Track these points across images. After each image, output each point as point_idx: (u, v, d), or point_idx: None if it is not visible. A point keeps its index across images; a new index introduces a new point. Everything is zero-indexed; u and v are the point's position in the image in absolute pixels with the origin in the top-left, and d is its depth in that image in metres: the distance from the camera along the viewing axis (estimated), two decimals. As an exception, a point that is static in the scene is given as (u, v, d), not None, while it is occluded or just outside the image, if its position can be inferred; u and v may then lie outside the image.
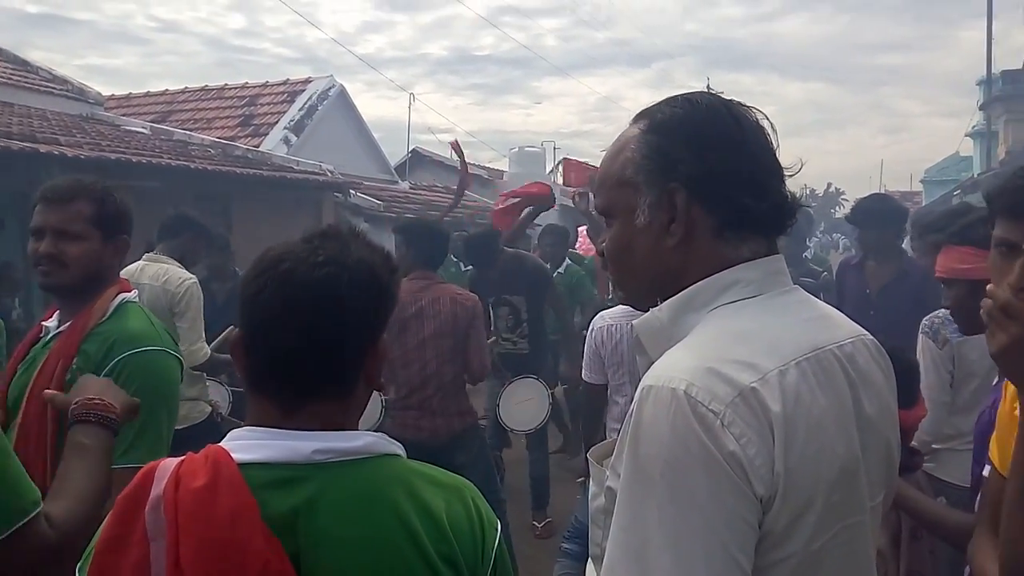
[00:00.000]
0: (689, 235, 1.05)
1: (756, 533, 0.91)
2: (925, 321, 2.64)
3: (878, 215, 4.03)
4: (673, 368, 0.95)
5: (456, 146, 7.77)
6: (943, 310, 2.64)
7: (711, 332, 1.01)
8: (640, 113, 1.11)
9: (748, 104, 1.09)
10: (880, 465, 1.07)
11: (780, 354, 0.97)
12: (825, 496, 0.95)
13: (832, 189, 68.33)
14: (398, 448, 1.09)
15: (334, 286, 1.02)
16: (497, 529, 1.09)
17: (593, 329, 3.29)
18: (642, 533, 0.90)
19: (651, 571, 0.89)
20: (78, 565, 1.00)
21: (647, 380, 0.97)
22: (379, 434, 1.08)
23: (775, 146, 1.08)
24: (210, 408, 3.80)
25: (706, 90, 1.12)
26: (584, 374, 3.36)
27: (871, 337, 1.13)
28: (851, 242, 6.54)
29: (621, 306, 3.24)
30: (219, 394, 4.09)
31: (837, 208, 61.59)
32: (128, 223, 1.97)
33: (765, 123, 1.08)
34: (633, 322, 1.12)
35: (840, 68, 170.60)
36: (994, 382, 1.84)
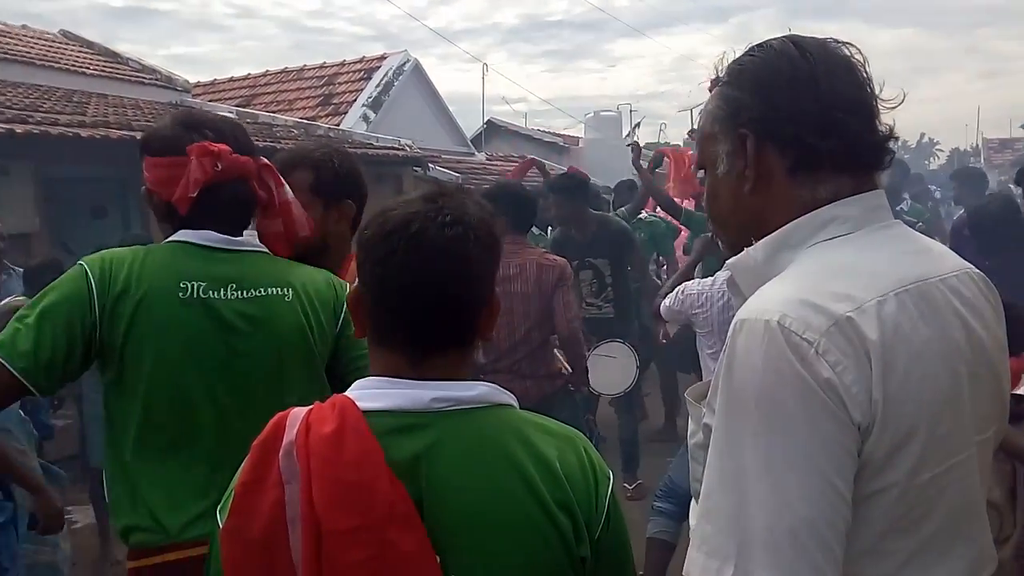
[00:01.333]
0: (765, 179, 1.07)
1: (855, 460, 0.92)
2: None
3: (995, 223, 3.88)
4: (767, 301, 0.97)
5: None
6: None
7: (806, 267, 1.01)
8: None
9: (841, 40, 1.08)
10: (990, 397, 1.05)
11: (878, 286, 0.97)
12: (929, 426, 0.95)
13: (925, 140, 65.19)
14: (510, 398, 1.13)
15: (464, 246, 1.06)
16: (610, 479, 1.11)
17: (684, 291, 3.31)
18: (738, 460, 0.93)
19: (747, 497, 0.91)
20: (218, 507, 1.08)
21: (740, 314, 0.98)
22: (493, 385, 1.12)
23: (864, 77, 1.07)
24: None
25: (790, 34, 1.11)
26: (661, 310, 3.42)
27: (978, 272, 1.11)
28: (945, 194, 6.23)
29: (707, 279, 3.33)
30: None
31: (931, 159, 58.77)
32: (352, 186, 1.97)
33: (857, 58, 1.07)
34: (728, 261, 1.13)
35: (932, 11, 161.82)
36: None
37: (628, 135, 20.62)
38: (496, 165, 15.12)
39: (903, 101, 1.09)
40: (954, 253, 1.13)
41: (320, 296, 1.73)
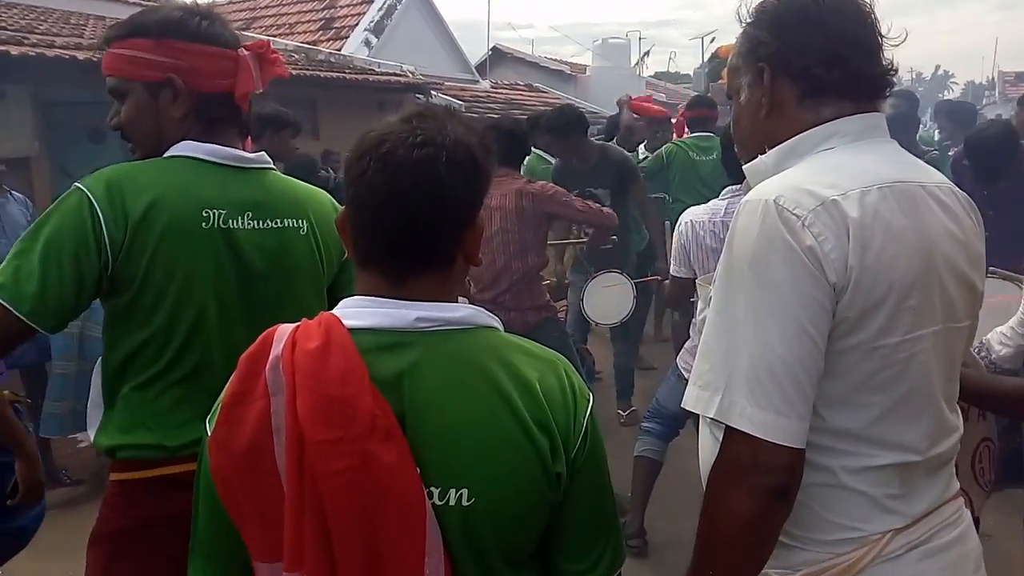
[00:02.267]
0: (778, 105, 1.26)
1: (829, 315, 1.10)
2: None
3: (992, 150, 3.81)
4: (767, 186, 1.16)
5: None
6: None
7: (806, 165, 1.20)
8: None
9: None
10: (963, 293, 1.21)
11: (864, 180, 1.15)
12: (899, 297, 1.12)
13: (940, 72, 63.89)
14: (495, 321, 1.15)
15: (433, 166, 1.06)
16: (589, 400, 1.13)
17: (681, 224, 3.30)
18: (732, 313, 1.12)
19: (737, 342, 1.11)
20: (207, 418, 1.11)
21: (744, 199, 1.17)
22: (478, 307, 1.14)
23: (870, 17, 1.24)
24: None
25: None
26: (672, 268, 3.39)
27: (962, 192, 1.27)
28: (949, 130, 6.13)
29: (705, 204, 3.29)
30: None
31: (946, 91, 57.68)
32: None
33: (864, 5, 1.24)
34: (745, 167, 1.32)
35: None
36: None
37: (637, 64, 20.22)
38: (501, 93, 14.90)
39: (905, 39, 1.25)
40: (940, 174, 1.28)
41: (330, 225, 1.71)
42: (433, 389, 1.05)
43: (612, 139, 5.86)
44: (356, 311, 1.09)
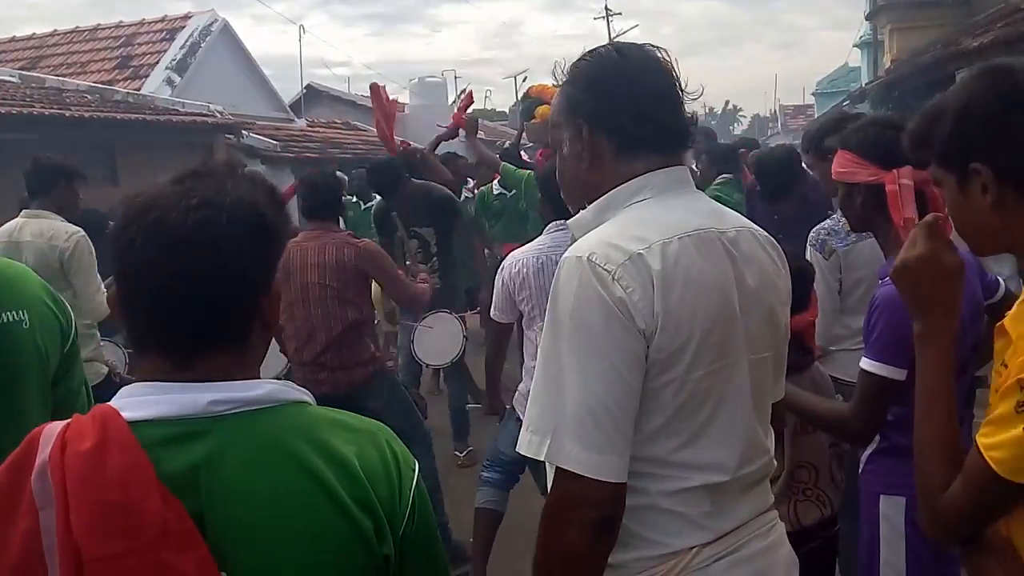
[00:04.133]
0: (597, 159, 1.37)
1: (642, 358, 1.22)
2: (812, 234, 2.75)
3: (777, 169, 4.13)
4: (582, 244, 1.28)
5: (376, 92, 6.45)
6: (829, 221, 2.76)
7: (616, 221, 1.32)
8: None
9: (656, 45, 1.39)
10: (763, 327, 1.36)
11: (666, 231, 1.27)
12: (702, 335, 1.25)
13: (730, 107, 69.74)
14: (305, 395, 1.04)
15: (211, 231, 0.94)
16: (414, 470, 1.06)
17: (503, 269, 3.28)
18: (557, 362, 1.22)
19: (563, 387, 1.21)
20: None
21: (565, 255, 1.28)
22: (283, 381, 1.03)
23: (672, 76, 1.36)
24: (106, 368, 3.63)
25: (615, 42, 1.49)
26: (492, 312, 3.36)
27: (763, 233, 1.42)
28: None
29: (529, 244, 3.29)
30: (114, 354, 3.91)
31: (735, 125, 62.96)
32: None
33: (667, 59, 1.37)
34: (568, 222, 1.45)
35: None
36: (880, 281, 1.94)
37: (454, 102, 20.53)
38: (318, 131, 14.60)
39: (702, 94, 1.40)
40: (741, 217, 1.42)
41: (47, 313, 1.56)
42: (234, 481, 0.93)
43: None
44: (137, 400, 0.95)
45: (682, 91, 1.37)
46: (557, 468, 1.21)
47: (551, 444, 1.20)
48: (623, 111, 1.33)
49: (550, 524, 1.22)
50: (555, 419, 1.20)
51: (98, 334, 3.65)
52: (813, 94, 33.90)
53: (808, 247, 2.74)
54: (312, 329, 3.50)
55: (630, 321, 1.20)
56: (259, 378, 1.03)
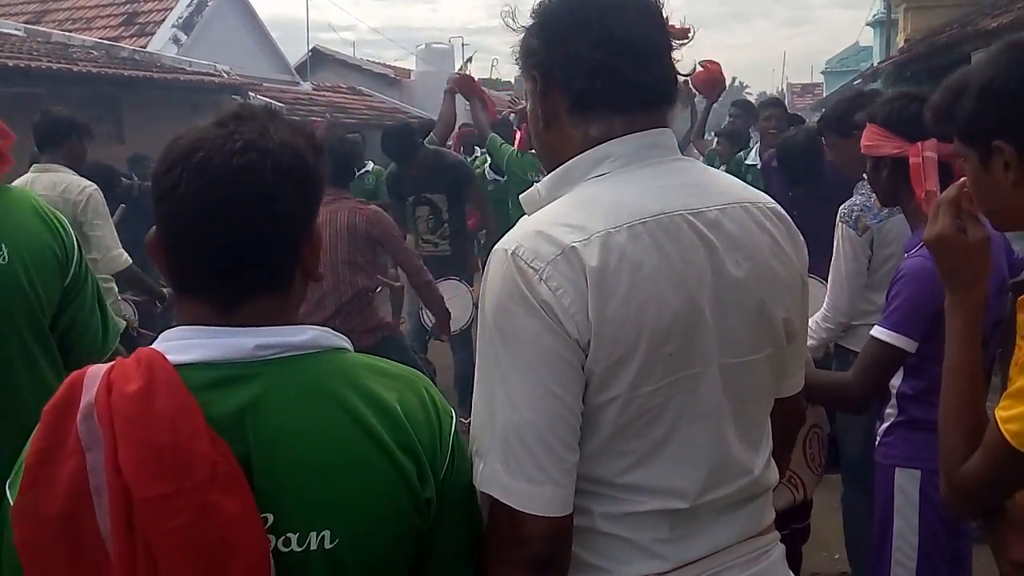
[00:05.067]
0: (553, 119, 1.15)
1: (578, 372, 1.03)
2: (843, 209, 2.72)
3: (800, 155, 4.12)
4: (514, 232, 1.08)
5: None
6: (860, 198, 2.74)
7: (562, 201, 1.11)
8: None
9: None
10: (750, 324, 1.12)
11: (615, 218, 1.05)
12: (652, 345, 1.04)
13: (737, 83, 69.18)
14: (344, 342, 1.05)
15: (255, 174, 0.94)
16: (452, 417, 1.06)
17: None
18: (488, 371, 1.06)
19: (493, 403, 1.04)
20: (8, 482, 0.94)
21: (496, 245, 1.09)
22: (324, 328, 1.03)
23: (651, 20, 1.12)
24: (124, 323, 3.64)
25: None
26: None
27: (763, 204, 1.17)
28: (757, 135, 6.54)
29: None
30: (126, 309, 3.93)
31: (741, 102, 62.38)
32: None
33: (648, 2, 1.13)
34: (520, 196, 1.20)
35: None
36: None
37: (460, 69, 20.37)
38: (323, 95, 14.50)
39: (693, 36, 1.16)
40: (740, 187, 1.19)
41: (41, 249, 1.51)
42: (281, 424, 0.93)
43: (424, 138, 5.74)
44: (182, 344, 0.95)
45: (670, 36, 1.14)
46: (492, 497, 1.04)
47: (483, 469, 1.04)
48: (575, 63, 1.10)
49: (486, 562, 1.06)
50: (485, 440, 1.04)
51: (115, 288, 3.66)
52: (822, 73, 33.64)
53: (839, 223, 2.72)
54: (322, 295, 3.50)
55: (559, 327, 1.01)
56: (301, 324, 1.02)
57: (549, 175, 1.16)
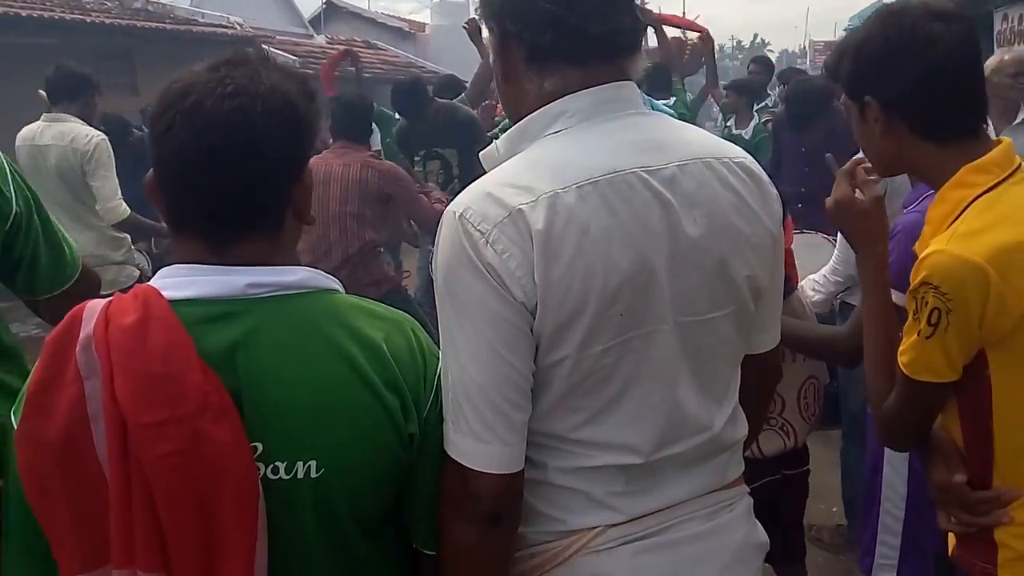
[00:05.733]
0: (511, 72, 1.13)
1: (526, 334, 1.04)
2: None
3: (806, 97, 4.03)
4: (465, 194, 1.07)
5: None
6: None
7: (514, 160, 1.10)
8: None
9: None
10: (709, 282, 1.11)
11: (563, 177, 1.04)
12: (600, 305, 1.04)
13: (758, 40, 67.93)
14: (335, 283, 1.08)
15: (247, 117, 0.97)
16: (438, 358, 1.10)
17: None
18: (444, 332, 1.08)
19: (447, 363, 1.06)
20: (12, 409, 0.98)
21: (447, 206, 1.09)
22: (315, 270, 1.07)
23: None
24: (138, 272, 3.71)
25: None
26: None
27: (730, 159, 1.14)
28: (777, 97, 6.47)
29: None
30: (139, 260, 3.99)
31: (762, 59, 61.29)
32: None
33: None
34: (481, 153, 1.20)
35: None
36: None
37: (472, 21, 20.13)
38: (337, 49, 14.36)
39: None
40: (706, 142, 1.16)
41: None
42: (271, 359, 0.97)
43: (454, 96, 5.75)
44: (177, 280, 0.99)
45: None
46: (445, 455, 1.07)
47: (444, 427, 1.08)
48: (529, 12, 1.07)
49: (440, 519, 1.09)
50: (448, 398, 1.07)
51: (128, 238, 3.71)
52: (845, 30, 32.96)
53: None
54: (328, 246, 3.54)
55: (505, 291, 1.02)
56: (293, 264, 1.06)
57: (508, 131, 1.15)
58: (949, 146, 1.31)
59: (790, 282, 2.35)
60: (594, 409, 1.09)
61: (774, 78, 7.02)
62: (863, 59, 1.36)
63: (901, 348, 1.30)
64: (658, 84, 5.75)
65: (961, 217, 1.25)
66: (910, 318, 1.28)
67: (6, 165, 1.59)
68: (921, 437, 1.38)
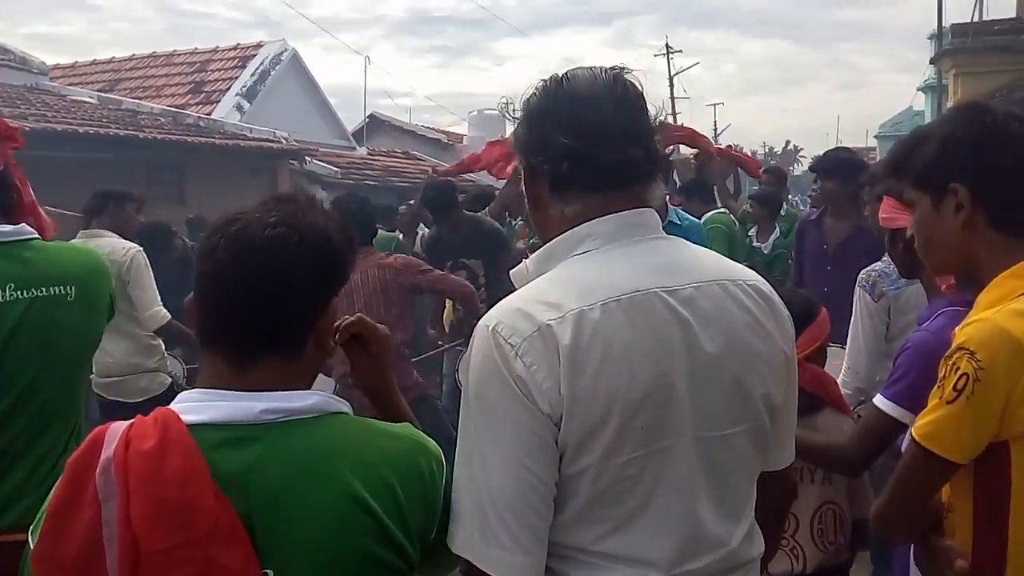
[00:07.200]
0: (539, 200, 1.24)
1: (550, 445, 1.08)
2: (862, 275, 2.73)
3: (841, 164, 4.09)
4: (497, 308, 1.15)
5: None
6: (880, 264, 2.74)
7: (544, 279, 1.18)
8: None
9: (621, 66, 1.23)
10: (727, 399, 1.15)
11: (590, 295, 1.11)
12: (623, 416, 1.08)
13: (791, 147, 68.90)
14: (344, 406, 1.12)
15: (283, 245, 1.06)
16: (443, 465, 1.14)
17: None
18: (467, 441, 1.12)
19: (471, 471, 1.10)
20: (31, 528, 1.02)
21: (481, 320, 1.16)
22: (327, 394, 1.11)
23: (626, 103, 1.19)
24: (170, 379, 3.79)
25: (575, 67, 1.26)
26: None
27: (744, 282, 1.20)
28: (807, 199, 6.56)
29: None
30: (174, 367, 4.08)
31: (795, 165, 62.13)
32: None
33: (626, 87, 1.20)
34: (511, 271, 1.28)
35: (800, 24, 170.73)
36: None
37: (511, 135, 20.73)
38: (378, 160, 14.92)
39: (663, 117, 1.26)
40: (720, 265, 1.23)
41: (102, 284, 1.85)
42: (280, 486, 1.01)
43: (483, 209, 5.93)
44: (196, 405, 1.04)
45: (647, 119, 1.21)
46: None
47: (458, 532, 1.10)
48: (550, 146, 1.18)
49: None
50: (463, 505, 1.11)
51: (162, 346, 3.82)
52: (876, 137, 33.40)
53: (857, 287, 2.73)
54: None
55: (532, 403, 1.07)
56: (308, 388, 1.11)
57: (538, 252, 1.24)
58: (1019, 239, 1.29)
59: (812, 399, 2.31)
60: (616, 520, 1.11)
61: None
62: (953, 146, 1.32)
63: (918, 418, 1.28)
64: (700, 196, 5.87)
65: (1016, 300, 1.24)
66: (936, 387, 1.25)
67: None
68: (914, 521, 1.34)
